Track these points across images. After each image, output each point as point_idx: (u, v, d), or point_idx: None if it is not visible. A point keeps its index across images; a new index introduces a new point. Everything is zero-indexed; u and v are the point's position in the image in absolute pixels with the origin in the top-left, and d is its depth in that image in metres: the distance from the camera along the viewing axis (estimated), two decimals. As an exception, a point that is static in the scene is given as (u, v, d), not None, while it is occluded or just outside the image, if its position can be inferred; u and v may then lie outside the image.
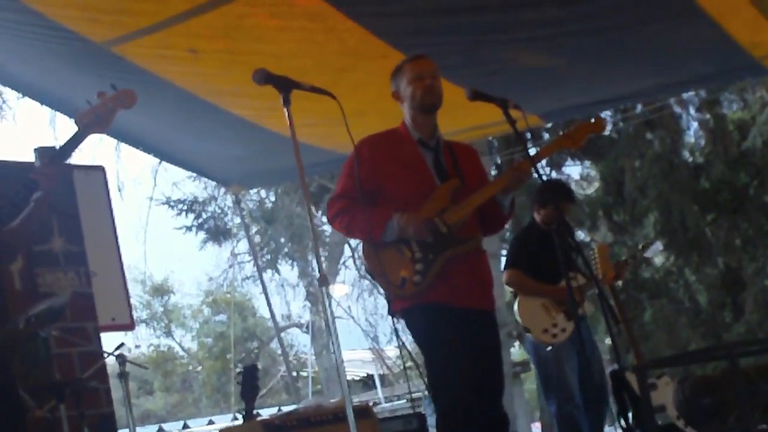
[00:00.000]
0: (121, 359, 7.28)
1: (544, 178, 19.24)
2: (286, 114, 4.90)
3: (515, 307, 7.94)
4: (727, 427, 5.63)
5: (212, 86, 8.33)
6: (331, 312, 4.79)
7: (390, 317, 5.55)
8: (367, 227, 5.42)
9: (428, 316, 5.35)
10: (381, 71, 7.62)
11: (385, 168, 5.53)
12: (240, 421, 7.00)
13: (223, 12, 7.01)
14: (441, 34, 7.51)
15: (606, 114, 16.95)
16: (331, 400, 7.58)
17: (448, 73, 6.73)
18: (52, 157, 4.38)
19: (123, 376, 7.30)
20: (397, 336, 5.43)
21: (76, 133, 4.34)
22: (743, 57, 8.22)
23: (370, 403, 8.82)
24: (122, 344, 7.50)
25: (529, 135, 17.11)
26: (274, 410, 16.34)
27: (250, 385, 6.91)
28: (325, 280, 4.68)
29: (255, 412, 7.03)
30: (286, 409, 10.61)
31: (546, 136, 18.14)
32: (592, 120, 5.88)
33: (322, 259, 22.94)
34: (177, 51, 7.63)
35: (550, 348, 7.72)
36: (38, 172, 4.23)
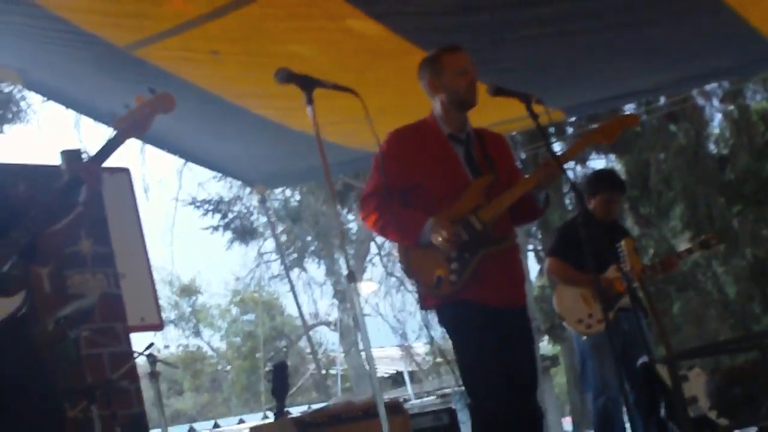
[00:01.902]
0: (152, 359, 7.34)
1: (570, 173, 19.31)
2: (309, 112, 4.90)
3: (554, 296, 7.96)
4: (760, 417, 5.63)
5: (234, 87, 8.38)
6: (360, 309, 4.81)
7: (421, 312, 5.58)
8: (402, 232, 5.44)
9: (462, 314, 5.37)
10: (401, 69, 7.69)
11: (417, 163, 5.51)
12: (271, 419, 7.05)
13: (242, 14, 7.04)
14: (460, 32, 7.52)
15: (629, 107, 16.91)
16: (361, 397, 7.60)
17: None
18: (91, 159, 4.40)
19: (154, 375, 7.36)
20: (428, 331, 5.44)
21: (113, 137, 4.35)
22: (765, 47, 8.21)
23: (400, 400, 8.84)
24: (152, 344, 7.56)
25: (552, 129, 17.12)
26: (304, 408, 16.41)
27: (280, 383, 6.97)
28: (352, 277, 4.70)
29: (285, 410, 7.08)
30: (316, 406, 10.66)
31: (569, 130, 18.11)
32: (626, 114, 5.88)
33: (350, 256, 23.09)
34: (198, 53, 7.68)
35: (585, 338, 7.72)
36: (85, 168, 4.26)
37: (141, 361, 7.71)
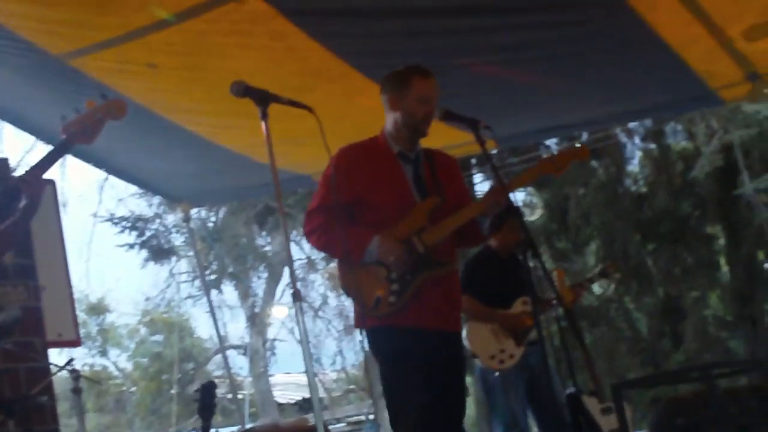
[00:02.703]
0: (76, 374, 7.19)
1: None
2: (264, 127, 4.86)
3: (464, 332, 7.94)
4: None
5: (169, 102, 8.27)
6: (303, 325, 4.74)
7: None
8: (348, 249, 5.38)
9: (397, 338, 5.35)
10: (340, 92, 7.66)
11: (364, 180, 5.50)
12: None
13: (183, 28, 6.94)
14: (402, 56, 7.48)
15: (551, 142, 17.01)
16: (288, 420, 7.54)
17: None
18: (35, 166, 4.28)
19: (77, 391, 7.21)
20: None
21: (61, 144, 4.25)
22: (700, 86, 8.29)
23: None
24: (72, 359, 7.41)
25: (473, 161, 17.17)
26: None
27: (208, 403, 6.85)
28: (299, 296, 4.64)
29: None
30: (223, 431, 10.47)
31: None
32: (577, 145, 5.88)
33: (263, 280, 23.00)
34: (135, 65, 7.55)
35: (497, 374, 7.72)
36: (23, 180, 4.14)
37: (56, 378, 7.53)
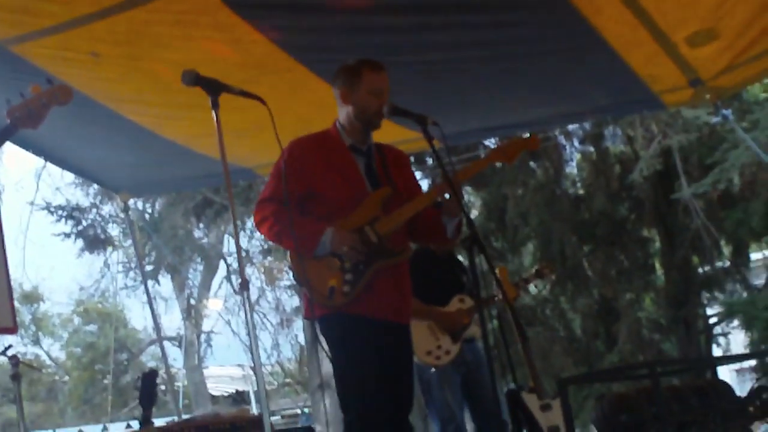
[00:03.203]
0: (15, 361, 7.14)
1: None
2: (214, 117, 4.85)
3: None
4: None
5: (111, 91, 8.21)
6: (251, 314, 4.76)
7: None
8: (300, 240, 5.39)
9: (349, 327, 5.39)
10: (284, 85, 7.66)
11: (316, 171, 5.51)
12: (136, 428, 6.92)
13: (127, 17, 6.91)
14: (346, 52, 7.50)
15: (490, 142, 17.07)
16: (230, 411, 7.52)
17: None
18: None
19: (16, 377, 7.16)
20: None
21: (5, 128, 4.22)
22: (642, 90, 8.38)
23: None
24: (10, 346, 7.36)
25: (412, 159, 17.18)
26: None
27: (148, 392, 6.85)
28: (246, 285, 4.65)
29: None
30: (157, 421, 10.42)
31: (429, 161, 18.19)
32: (527, 135, 5.93)
33: (198, 272, 22.93)
34: (78, 54, 7.50)
35: (433, 370, 7.76)
36: None
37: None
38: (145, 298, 22.31)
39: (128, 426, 6.92)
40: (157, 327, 13.21)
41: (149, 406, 6.83)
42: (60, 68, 7.74)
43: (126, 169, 10.14)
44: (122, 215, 12.66)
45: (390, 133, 6.55)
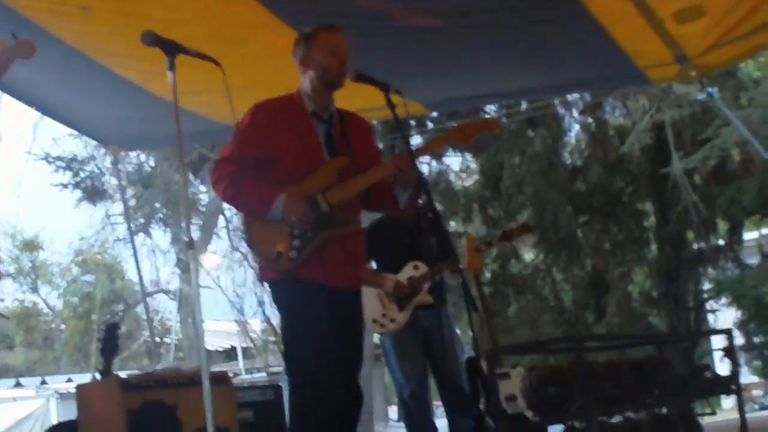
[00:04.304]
0: (-15, 309, 7.25)
1: (425, 168, 19.48)
2: (170, 78, 4.91)
3: None
4: (568, 417, 5.82)
5: (101, 46, 8.26)
6: (196, 276, 4.84)
7: (257, 289, 5.65)
8: (252, 204, 5.50)
9: (297, 291, 5.45)
10: (272, 46, 7.72)
11: (275, 137, 5.56)
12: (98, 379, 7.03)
13: (118, -28, 6.99)
14: (335, 16, 7.56)
15: (490, 108, 17.13)
16: (190, 365, 7.62)
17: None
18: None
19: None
20: (263, 308, 5.51)
21: None
22: (627, 65, 8.43)
23: (230, 374, 8.87)
24: (-8, 293, 7.47)
25: (413, 122, 17.26)
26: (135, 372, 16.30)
27: (109, 344, 6.94)
28: (192, 245, 4.74)
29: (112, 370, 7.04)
30: (124, 372, 10.58)
31: (430, 125, 18.25)
32: (486, 117, 6.00)
33: (196, 227, 22.95)
34: (69, 7, 7.54)
35: (382, 337, 7.86)
36: None
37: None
38: (142, 250, 22.46)
39: (94, 377, 6.99)
40: (141, 280, 13.33)
41: (110, 357, 6.92)
42: (50, 20, 7.79)
43: (115, 122, 10.18)
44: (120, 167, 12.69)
45: (367, 98, 6.59)
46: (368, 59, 8.07)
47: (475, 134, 5.81)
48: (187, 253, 4.78)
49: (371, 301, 7.70)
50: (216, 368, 18.88)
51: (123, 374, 7.51)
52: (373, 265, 7.97)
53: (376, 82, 5.52)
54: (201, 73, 5.59)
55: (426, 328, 7.72)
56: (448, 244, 7.84)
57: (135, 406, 6.41)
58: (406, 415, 7.93)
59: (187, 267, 24.31)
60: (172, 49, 4.99)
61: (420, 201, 5.84)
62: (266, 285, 5.70)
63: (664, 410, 6.28)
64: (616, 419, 5.92)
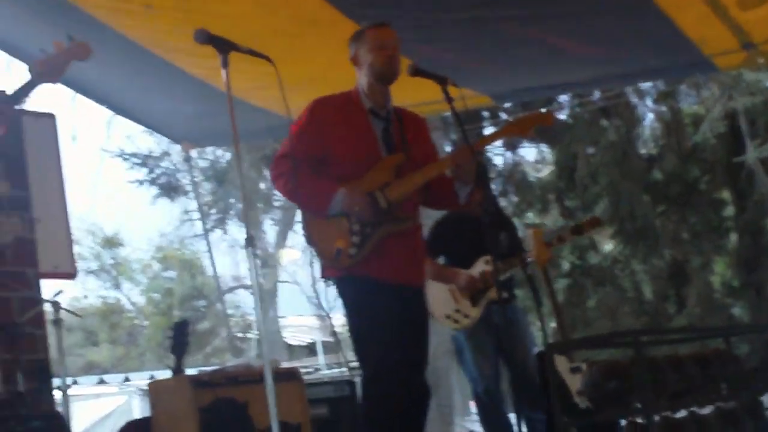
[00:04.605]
0: (56, 306, 7.32)
1: (500, 159, 19.44)
2: (224, 75, 4.96)
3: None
4: (629, 412, 5.76)
5: (166, 43, 8.33)
6: (256, 274, 4.86)
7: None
8: (313, 198, 5.51)
9: (359, 288, 5.48)
10: (332, 39, 7.72)
11: (334, 133, 5.60)
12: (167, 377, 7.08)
13: (180, -30, 7.05)
14: (396, 8, 7.57)
15: (563, 98, 17.04)
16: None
17: (402, 47, 6.79)
18: (7, 98, 4.42)
19: (57, 323, 7.35)
20: (321, 306, 5.52)
21: (28, 81, 4.37)
22: (693, 53, 8.34)
23: (311, 369, 8.90)
24: (60, 291, 7.54)
25: (486, 113, 17.22)
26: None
27: (179, 341, 6.97)
28: (251, 242, 4.75)
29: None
30: (190, 371, 10.63)
31: (504, 116, 18.18)
32: (543, 110, 5.98)
33: (272, 222, 23.09)
34: (132, 5, 7.63)
35: (456, 333, 7.82)
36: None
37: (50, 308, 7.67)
38: (221, 245, 22.60)
39: (151, 377, 7.04)
40: (215, 277, 13.42)
41: (181, 355, 6.96)
42: (115, 19, 7.88)
43: (185, 119, 10.26)
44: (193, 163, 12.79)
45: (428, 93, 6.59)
46: (432, 52, 8.11)
47: (531, 127, 5.81)
48: (247, 250, 4.78)
49: (443, 296, 7.69)
50: (297, 363, 18.94)
51: (195, 371, 7.56)
52: (442, 260, 7.93)
53: (432, 75, 5.52)
54: (267, 69, 5.60)
55: (499, 323, 7.67)
56: (516, 238, 7.82)
57: (206, 404, 6.43)
58: (480, 411, 7.90)
59: (265, 262, 24.49)
60: (224, 46, 5.02)
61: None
62: (330, 283, 5.70)
63: (732, 405, 6.18)
64: (682, 414, 5.84)
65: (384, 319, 5.41)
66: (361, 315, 5.54)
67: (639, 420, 5.64)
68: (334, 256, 5.41)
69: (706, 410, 5.96)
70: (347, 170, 5.52)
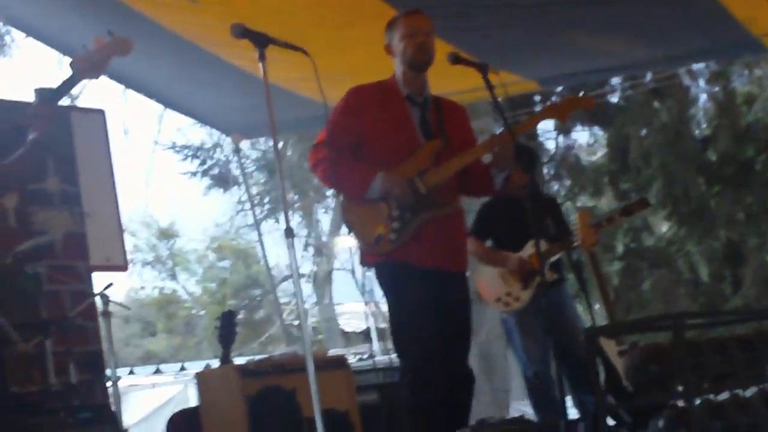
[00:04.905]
0: (105, 299, 7.40)
1: (553, 143, 19.37)
2: (261, 69, 4.99)
3: (473, 275, 7.99)
4: (670, 395, 5.74)
5: (211, 37, 8.39)
6: (295, 263, 4.88)
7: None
8: (352, 183, 5.55)
9: (398, 274, 5.50)
10: (376, 30, 7.71)
11: (371, 120, 5.64)
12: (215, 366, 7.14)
13: (225, -36, 7.10)
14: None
15: (615, 81, 16.96)
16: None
17: (445, 34, 6.79)
18: (45, 100, 4.45)
19: (106, 315, 7.43)
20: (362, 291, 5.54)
21: (69, 77, 4.39)
22: (742, 34, 8.29)
23: (365, 356, 8.93)
24: (111, 284, 7.62)
25: (538, 98, 17.18)
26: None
27: (227, 331, 7.02)
28: (290, 233, 4.78)
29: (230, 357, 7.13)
30: (238, 360, 10.67)
31: (554, 99, 18.09)
32: (581, 94, 5.95)
33: (325, 211, 23.14)
34: (178, 0, 7.72)
35: (505, 315, 7.81)
36: (31, 114, 4.29)
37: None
38: (276, 235, 22.67)
39: (207, 366, 7.10)
40: (267, 267, 13.51)
41: (228, 345, 7.01)
42: (161, 14, 7.97)
43: (234, 111, 10.33)
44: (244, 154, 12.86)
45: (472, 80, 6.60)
46: (478, 39, 8.11)
47: (570, 111, 5.81)
48: (287, 241, 4.80)
49: (493, 280, 7.70)
50: (352, 350, 19.00)
51: (243, 360, 7.61)
52: (490, 243, 7.92)
53: (473, 63, 5.52)
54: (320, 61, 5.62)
55: (548, 306, 7.64)
56: (563, 222, 7.82)
57: (253, 392, 6.48)
58: (531, 394, 7.89)
59: (319, 251, 24.57)
60: (261, 40, 5.06)
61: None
62: (368, 269, 5.73)
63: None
64: (724, 396, 5.81)
65: (423, 306, 5.44)
66: (399, 302, 5.58)
67: (680, 403, 5.63)
68: (373, 241, 5.45)
69: (749, 392, 5.92)
70: (385, 156, 5.55)
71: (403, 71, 5.68)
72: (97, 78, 4.43)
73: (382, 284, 5.66)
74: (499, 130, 5.69)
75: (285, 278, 26.00)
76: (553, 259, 7.58)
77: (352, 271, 23.93)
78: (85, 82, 4.52)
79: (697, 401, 5.50)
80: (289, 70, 8.58)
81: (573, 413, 7.73)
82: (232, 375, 6.62)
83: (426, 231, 5.46)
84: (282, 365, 6.71)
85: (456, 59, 5.52)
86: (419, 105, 5.70)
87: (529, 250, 7.60)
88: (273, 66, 8.73)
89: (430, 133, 5.64)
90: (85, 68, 4.35)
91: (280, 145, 21.38)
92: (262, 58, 5.05)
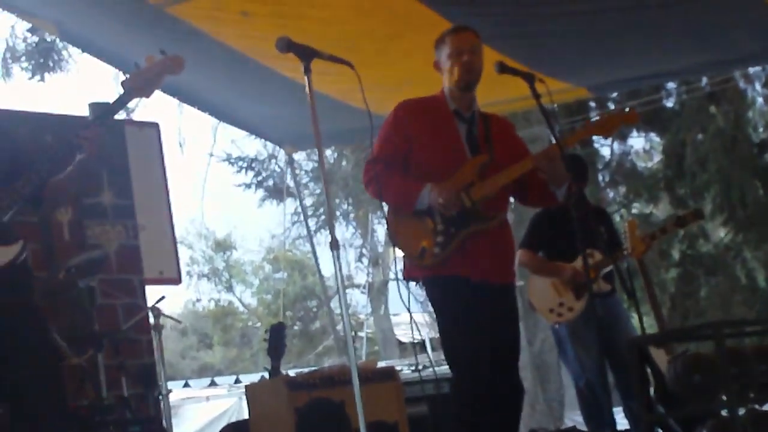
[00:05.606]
0: (156, 312, 7.45)
1: (607, 150, 19.27)
2: (306, 82, 5.00)
3: (526, 286, 7.98)
4: (714, 405, 5.69)
5: (263, 49, 8.41)
6: (341, 276, 4.86)
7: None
8: (400, 195, 5.56)
9: (445, 287, 5.48)
10: (428, 41, 7.73)
11: (419, 135, 5.62)
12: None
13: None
14: (489, 5, 7.56)
15: (671, 86, 16.85)
16: (359, 362, 7.66)
17: (495, 43, 6.76)
18: (96, 118, 4.50)
19: (157, 328, 7.48)
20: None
21: (121, 96, 4.43)
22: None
23: (419, 366, 8.90)
24: (162, 297, 7.68)
25: (593, 104, 17.11)
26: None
27: (276, 344, 7.05)
28: (336, 245, 4.76)
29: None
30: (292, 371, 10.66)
31: (611, 106, 17.98)
32: (627, 110, 5.91)
33: (378, 222, 23.13)
34: (230, 14, 7.77)
35: (557, 326, 7.78)
36: (80, 136, 4.32)
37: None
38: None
39: (286, 374, 7.11)
40: (321, 278, 13.52)
41: (278, 357, 7.02)
42: (213, 27, 8.01)
43: (286, 123, 10.38)
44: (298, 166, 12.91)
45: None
46: (529, 46, 8.09)
47: (615, 128, 5.77)
48: (333, 253, 4.78)
49: (546, 290, 7.69)
50: (406, 361, 18.96)
51: (292, 373, 7.62)
52: (541, 254, 7.90)
53: (519, 72, 5.49)
54: (367, 72, 5.61)
55: (601, 316, 7.60)
56: (614, 231, 7.80)
57: (302, 404, 6.48)
58: (582, 404, 7.86)
59: (374, 261, 24.58)
60: (306, 53, 5.07)
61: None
62: (416, 284, 5.72)
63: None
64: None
65: (473, 319, 5.41)
66: (446, 314, 5.56)
67: (724, 413, 5.58)
68: (418, 255, 5.43)
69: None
70: (432, 170, 5.53)
71: (450, 89, 5.67)
72: (148, 96, 4.45)
73: (431, 298, 5.65)
74: (552, 138, 5.64)
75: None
76: (607, 270, 7.55)
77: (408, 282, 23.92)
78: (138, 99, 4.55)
79: (742, 410, 5.44)
80: (340, 82, 8.64)
81: (624, 423, 7.71)
82: (281, 387, 6.64)
83: (472, 244, 5.44)
84: (331, 377, 6.71)
85: (503, 68, 5.49)
86: (467, 120, 5.68)
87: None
88: (324, 77, 8.81)
89: (477, 148, 5.62)
90: (136, 86, 4.38)
91: (335, 155, 21.51)
92: (307, 71, 5.04)
